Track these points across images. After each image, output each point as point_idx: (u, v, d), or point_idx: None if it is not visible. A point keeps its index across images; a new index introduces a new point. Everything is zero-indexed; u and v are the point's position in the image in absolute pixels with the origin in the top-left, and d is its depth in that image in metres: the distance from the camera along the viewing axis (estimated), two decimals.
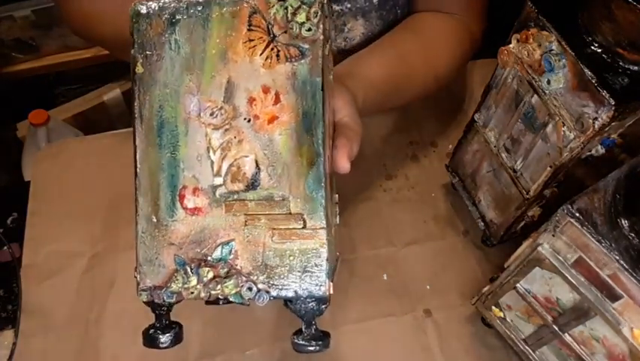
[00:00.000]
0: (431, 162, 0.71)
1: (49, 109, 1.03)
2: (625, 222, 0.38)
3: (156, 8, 0.34)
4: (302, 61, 0.34)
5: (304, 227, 0.34)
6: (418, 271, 0.62)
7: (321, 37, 0.34)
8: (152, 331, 0.37)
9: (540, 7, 0.44)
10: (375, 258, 0.63)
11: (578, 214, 0.39)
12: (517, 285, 0.48)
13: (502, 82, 0.51)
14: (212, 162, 0.34)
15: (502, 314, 0.53)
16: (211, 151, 0.34)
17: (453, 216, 0.66)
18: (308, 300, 0.34)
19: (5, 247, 0.63)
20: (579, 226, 0.39)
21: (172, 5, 0.34)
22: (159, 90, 0.34)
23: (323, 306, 0.35)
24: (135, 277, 0.35)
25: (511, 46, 0.48)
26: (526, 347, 0.52)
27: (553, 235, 0.42)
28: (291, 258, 0.34)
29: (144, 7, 0.34)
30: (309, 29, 0.33)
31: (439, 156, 0.71)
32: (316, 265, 0.34)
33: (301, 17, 0.33)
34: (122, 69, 1.19)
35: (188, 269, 0.34)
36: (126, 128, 0.75)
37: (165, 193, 0.34)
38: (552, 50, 0.44)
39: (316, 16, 0.33)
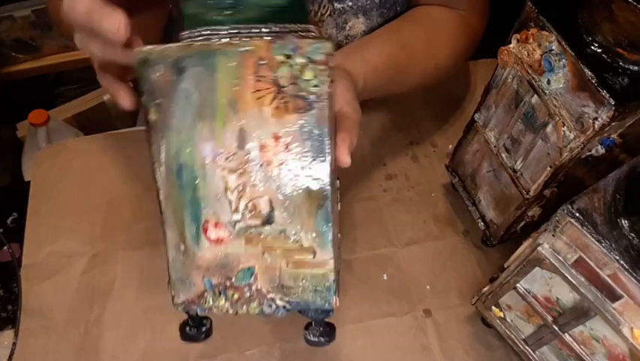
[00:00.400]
0: (431, 162, 0.71)
1: (49, 109, 1.03)
2: (625, 222, 0.38)
3: (160, 56, 0.34)
4: (310, 112, 0.35)
5: (314, 257, 0.37)
6: (418, 271, 0.62)
7: (328, 89, 0.34)
8: (187, 328, 0.41)
9: (540, 7, 0.44)
10: (375, 258, 0.63)
11: (578, 214, 0.39)
12: (517, 285, 0.48)
13: (502, 82, 0.51)
14: (230, 201, 0.37)
15: (502, 314, 0.53)
16: (228, 192, 0.36)
17: (453, 216, 0.66)
18: (318, 311, 0.39)
19: (5, 247, 0.63)
20: (579, 226, 0.39)
21: (176, 53, 0.34)
22: (174, 136, 0.36)
23: (330, 314, 0.40)
24: (169, 290, 0.39)
25: (511, 46, 0.48)
26: (526, 347, 0.52)
27: (553, 235, 0.42)
28: (304, 281, 0.38)
29: (147, 54, 0.35)
30: (316, 85, 0.34)
31: (439, 156, 0.71)
32: (325, 287, 0.38)
33: (308, 75, 0.34)
34: None
35: (217, 291, 0.38)
36: (126, 128, 0.75)
37: (190, 227, 0.37)
38: (552, 50, 0.44)
39: (323, 72, 0.34)
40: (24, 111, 0.98)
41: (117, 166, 0.69)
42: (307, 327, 0.41)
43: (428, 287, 0.61)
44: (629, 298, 0.38)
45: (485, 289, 0.53)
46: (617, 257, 0.37)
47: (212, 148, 0.36)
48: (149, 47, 0.35)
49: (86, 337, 0.57)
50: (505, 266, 0.49)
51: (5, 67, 1.09)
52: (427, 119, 0.74)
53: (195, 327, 0.41)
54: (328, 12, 0.59)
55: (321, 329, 0.41)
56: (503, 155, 0.54)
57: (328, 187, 0.36)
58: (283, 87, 0.34)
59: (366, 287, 0.60)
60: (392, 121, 0.74)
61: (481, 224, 0.62)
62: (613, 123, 0.41)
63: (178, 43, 0.35)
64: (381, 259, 0.63)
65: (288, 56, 0.34)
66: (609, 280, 0.39)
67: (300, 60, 0.34)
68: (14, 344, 0.56)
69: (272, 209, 0.37)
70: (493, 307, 0.53)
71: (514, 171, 0.53)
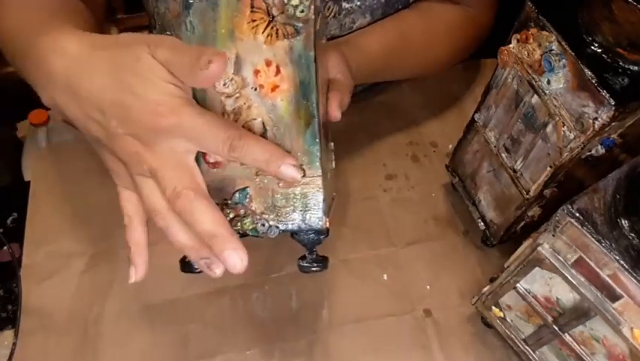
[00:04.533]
0: (431, 162, 0.71)
1: (49, 109, 1.03)
2: (625, 222, 0.38)
3: None
4: (297, 37, 0.39)
5: (304, 175, 0.40)
6: (418, 271, 0.62)
7: (312, 16, 0.38)
8: (187, 259, 0.43)
9: (540, 7, 0.44)
10: (375, 258, 0.63)
11: (578, 214, 0.39)
12: (517, 285, 0.48)
13: (502, 82, 0.51)
14: None
15: (502, 314, 0.53)
16: (226, 115, 0.40)
17: (453, 216, 0.66)
18: (309, 232, 0.42)
19: (5, 247, 0.63)
20: (579, 226, 0.39)
21: None
22: None
23: (322, 237, 0.42)
24: None
25: (511, 46, 0.48)
26: (526, 347, 0.52)
27: (553, 235, 0.42)
28: (295, 200, 0.41)
29: None
30: (302, 11, 0.38)
31: (439, 156, 0.71)
32: (315, 205, 0.41)
33: (295, 1, 0.38)
34: None
35: None
36: None
37: None
38: (552, 50, 0.44)
39: None
40: (24, 111, 0.97)
41: None
42: (302, 257, 0.44)
43: (428, 287, 0.61)
44: (629, 298, 0.38)
45: (485, 289, 0.53)
46: (617, 257, 0.37)
47: None
48: None
49: (86, 337, 0.57)
50: (505, 266, 0.49)
51: (5, 67, 1.09)
52: (427, 119, 0.74)
53: None
54: (333, 13, 0.60)
55: (315, 256, 0.43)
56: (503, 155, 0.54)
57: (315, 106, 0.39)
58: (275, 17, 0.38)
59: (366, 287, 0.60)
60: (392, 121, 0.74)
61: (481, 224, 0.61)
62: (613, 123, 0.41)
63: None
64: (381, 259, 0.63)
65: None
66: (609, 280, 0.39)
67: None
68: (14, 344, 0.56)
69: (265, 130, 0.40)
70: (493, 307, 0.53)
71: (514, 171, 0.53)
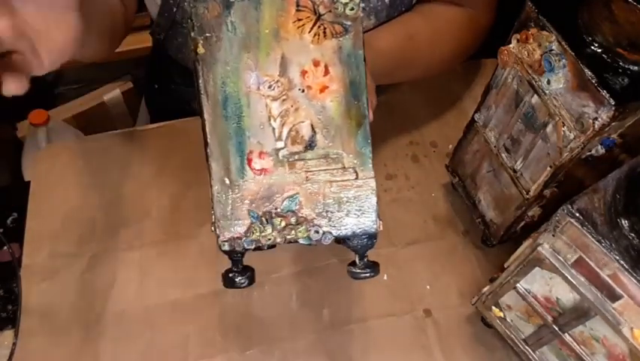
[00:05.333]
0: (431, 162, 0.71)
1: (49, 109, 1.03)
2: (625, 222, 0.38)
3: None
4: (346, 36, 0.38)
5: (357, 178, 0.39)
6: (418, 271, 0.62)
7: (361, 14, 0.38)
8: (230, 274, 0.41)
9: (540, 7, 0.44)
10: (375, 258, 0.62)
11: (578, 214, 0.39)
12: (517, 285, 0.48)
13: (502, 82, 0.51)
14: (273, 129, 0.39)
15: (502, 314, 0.53)
16: (272, 119, 0.39)
17: (453, 216, 0.66)
18: (363, 237, 0.40)
19: (5, 247, 0.63)
20: (579, 226, 0.39)
21: None
22: (221, 68, 0.38)
23: (374, 240, 0.41)
24: (213, 231, 0.39)
25: (511, 46, 0.48)
26: (526, 347, 0.52)
27: (553, 235, 0.42)
28: (348, 204, 0.39)
29: None
30: (352, 8, 0.37)
31: (439, 156, 0.71)
32: (369, 208, 0.40)
33: None
34: (122, 69, 1.20)
35: (264, 220, 0.39)
36: (126, 128, 0.75)
37: (235, 158, 0.39)
38: (552, 50, 0.44)
39: None
40: (24, 111, 0.98)
41: (117, 166, 0.69)
42: (351, 263, 0.42)
43: (428, 287, 0.61)
44: (629, 298, 0.38)
45: (485, 289, 0.53)
46: (617, 257, 0.37)
47: (256, 77, 0.38)
48: None
49: (86, 337, 0.57)
50: (505, 266, 0.49)
51: None
52: (427, 119, 0.74)
53: (239, 272, 0.41)
54: None
55: (365, 262, 0.42)
56: (503, 155, 0.54)
57: (366, 106, 0.38)
58: (322, 15, 0.37)
59: (366, 287, 0.60)
60: (392, 121, 0.74)
61: (481, 224, 0.62)
62: (613, 123, 0.41)
63: None
64: (381, 259, 0.62)
65: None
66: (609, 280, 0.39)
67: None
68: (14, 344, 0.56)
69: (314, 133, 0.39)
70: (493, 307, 0.53)
71: (514, 171, 0.53)
